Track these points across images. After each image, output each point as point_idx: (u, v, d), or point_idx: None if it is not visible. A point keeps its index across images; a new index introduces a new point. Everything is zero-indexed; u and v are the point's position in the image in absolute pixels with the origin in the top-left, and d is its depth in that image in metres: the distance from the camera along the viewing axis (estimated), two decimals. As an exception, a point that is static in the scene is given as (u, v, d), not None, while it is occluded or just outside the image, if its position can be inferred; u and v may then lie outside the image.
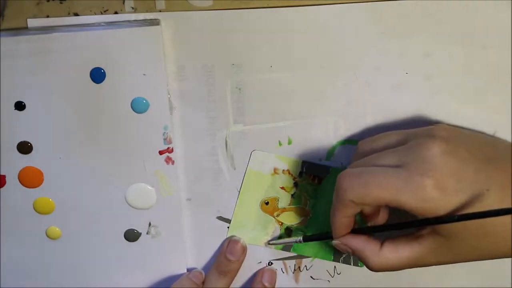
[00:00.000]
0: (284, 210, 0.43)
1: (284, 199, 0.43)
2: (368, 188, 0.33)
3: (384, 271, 0.36)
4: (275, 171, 0.42)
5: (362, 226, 0.39)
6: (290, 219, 0.44)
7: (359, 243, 0.36)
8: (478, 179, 0.32)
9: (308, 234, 0.43)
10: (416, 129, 0.36)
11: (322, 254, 0.44)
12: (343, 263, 0.44)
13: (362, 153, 0.37)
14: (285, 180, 0.43)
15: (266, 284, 0.44)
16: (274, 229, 0.44)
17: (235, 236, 0.44)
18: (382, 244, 0.36)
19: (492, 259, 0.35)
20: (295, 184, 0.43)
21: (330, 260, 0.44)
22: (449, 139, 0.33)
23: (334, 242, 0.37)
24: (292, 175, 0.43)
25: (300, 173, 0.43)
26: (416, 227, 0.34)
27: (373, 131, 0.42)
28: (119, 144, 0.41)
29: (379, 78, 0.41)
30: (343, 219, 0.35)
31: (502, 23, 0.39)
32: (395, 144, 0.36)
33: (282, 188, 0.43)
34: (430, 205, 0.32)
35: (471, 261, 0.35)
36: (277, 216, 0.43)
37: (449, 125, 0.36)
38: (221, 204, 0.44)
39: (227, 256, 0.43)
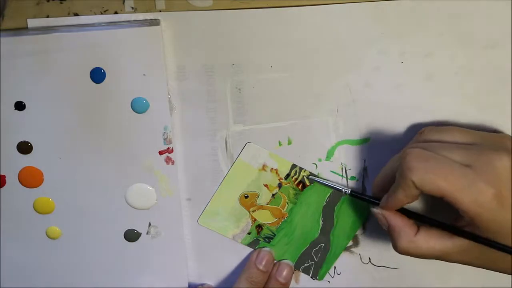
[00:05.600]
0: (261, 207, 0.43)
1: (264, 197, 0.43)
2: (433, 176, 0.33)
3: (409, 255, 0.36)
4: (264, 167, 0.43)
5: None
6: (265, 217, 0.44)
7: (399, 222, 0.36)
8: None
9: (278, 237, 0.44)
10: (484, 133, 0.36)
11: (286, 258, 0.44)
12: (302, 271, 0.45)
13: (427, 140, 0.37)
14: (270, 179, 0.43)
15: (281, 280, 0.43)
16: (246, 224, 0.44)
17: (266, 247, 0.44)
18: (417, 231, 0.36)
19: None
20: (279, 185, 0.43)
21: None
22: None
23: (376, 210, 0.37)
24: (278, 175, 0.43)
25: (287, 175, 0.43)
26: (468, 239, 0.35)
27: (373, 131, 0.42)
28: (119, 144, 0.41)
29: (379, 78, 0.41)
30: (403, 197, 0.35)
31: (502, 23, 0.39)
32: (463, 143, 0.36)
33: (266, 185, 0.43)
34: (484, 212, 0.32)
35: (497, 271, 0.36)
36: (253, 212, 0.43)
37: None
38: (221, 204, 0.44)
39: (258, 266, 0.43)
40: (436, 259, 0.36)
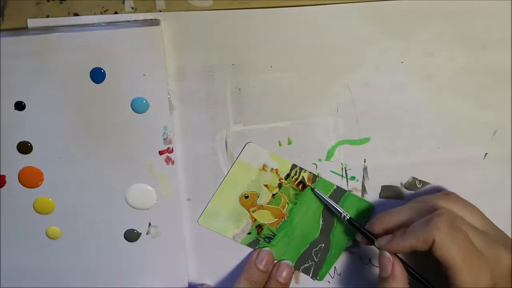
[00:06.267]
0: (261, 207, 0.43)
1: (264, 197, 0.43)
2: (454, 246, 0.35)
3: None
4: (264, 167, 0.43)
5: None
6: (265, 217, 0.44)
7: (402, 274, 0.37)
8: None
9: (278, 237, 0.44)
10: (494, 225, 0.39)
11: (286, 258, 0.44)
12: (302, 272, 0.45)
13: (451, 210, 0.38)
14: (271, 179, 0.43)
15: (281, 280, 0.43)
16: (246, 224, 0.44)
17: (266, 247, 0.44)
18: None
19: None
20: (279, 185, 0.43)
21: None
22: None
23: (387, 255, 0.38)
24: (279, 175, 0.43)
25: (287, 176, 0.43)
26: None
27: (373, 131, 0.42)
28: (119, 144, 0.41)
29: (379, 78, 0.41)
30: (409, 247, 0.36)
31: (502, 23, 0.39)
32: (477, 227, 0.38)
33: (266, 185, 0.43)
34: None
35: None
36: (253, 212, 0.43)
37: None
38: (221, 204, 0.44)
39: (258, 266, 0.43)
40: None
